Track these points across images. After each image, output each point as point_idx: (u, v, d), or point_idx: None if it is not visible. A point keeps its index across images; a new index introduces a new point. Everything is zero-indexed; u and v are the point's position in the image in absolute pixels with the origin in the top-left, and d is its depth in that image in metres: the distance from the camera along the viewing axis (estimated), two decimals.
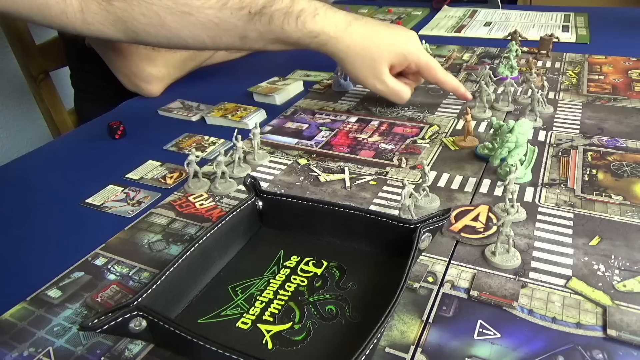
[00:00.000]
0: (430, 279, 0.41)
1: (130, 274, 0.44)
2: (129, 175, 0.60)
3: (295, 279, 0.42)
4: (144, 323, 0.34)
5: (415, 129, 0.67)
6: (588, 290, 0.39)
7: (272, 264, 0.44)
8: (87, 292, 0.42)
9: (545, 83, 0.70)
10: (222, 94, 0.81)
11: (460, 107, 0.73)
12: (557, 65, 0.87)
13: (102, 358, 0.36)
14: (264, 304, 0.40)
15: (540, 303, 0.38)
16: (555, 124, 0.66)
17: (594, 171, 0.54)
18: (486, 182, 0.54)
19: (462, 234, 0.46)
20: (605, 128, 0.64)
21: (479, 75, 0.82)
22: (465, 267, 0.42)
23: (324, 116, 0.72)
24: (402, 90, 0.69)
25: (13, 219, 0.53)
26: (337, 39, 0.64)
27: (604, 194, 0.50)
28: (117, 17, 0.62)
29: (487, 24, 1.17)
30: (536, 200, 0.50)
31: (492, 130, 0.56)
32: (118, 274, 0.44)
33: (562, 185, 0.52)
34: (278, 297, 0.40)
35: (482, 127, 0.66)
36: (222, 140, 0.67)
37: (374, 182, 0.55)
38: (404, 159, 0.59)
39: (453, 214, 0.48)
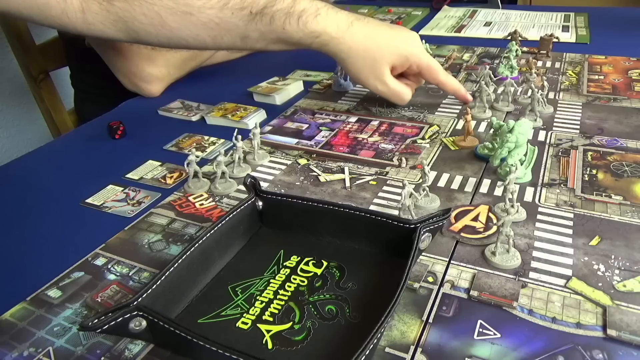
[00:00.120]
0: (430, 279, 0.41)
1: (130, 274, 0.44)
2: (129, 175, 0.60)
3: (295, 279, 0.42)
4: (144, 323, 0.34)
5: (415, 129, 0.67)
6: (588, 290, 0.39)
7: (272, 264, 0.44)
8: (87, 292, 0.42)
9: (545, 83, 0.70)
10: (222, 94, 0.81)
11: (460, 107, 0.73)
12: (557, 65, 0.87)
13: (102, 358, 0.36)
14: (264, 304, 0.40)
15: (540, 303, 0.38)
16: (555, 124, 0.66)
17: (594, 171, 0.54)
18: (486, 182, 0.54)
19: (462, 234, 0.46)
20: (605, 128, 0.64)
21: (479, 75, 0.82)
22: (465, 267, 0.42)
23: (324, 116, 0.72)
24: (403, 91, 0.69)
25: (13, 219, 0.53)
26: (338, 39, 0.64)
27: (604, 194, 0.50)
28: (118, 17, 0.62)
29: (487, 24, 1.17)
30: (536, 200, 0.50)
31: (492, 130, 0.56)
32: (118, 274, 0.44)
33: (562, 185, 0.52)
34: (278, 297, 0.40)
35: (482, 127, 0.66)
36: (222, 140, 0.67)
37: (374, 182, 0.55)
38: (404, 159, 0.59)
39: (453, 214, 0.48)
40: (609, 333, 0.35)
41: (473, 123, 0.64)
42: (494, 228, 0.46)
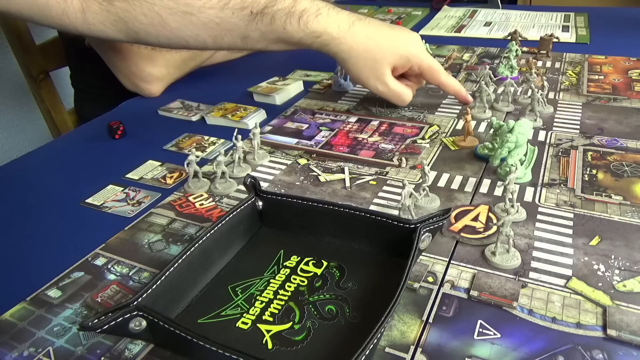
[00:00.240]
0: (430, 279, 0.41)
1: (130, 274, 0.44)
2: (129, 175, 0.60)
3: (295, 279, 0.42)
4: (144, 323, 0.34)
5: (415, 129, 0.67)
6: (588, 290, 0.39)
7: (272, 264, 0.44)
8: (87, 292, 0.42)
9: (545, 83, 0.70)
10: (222, 94, 0.81)
11: (460, 107, 0.73)
12: (557, 65, 0.87)
13: (102, 358, 0.36)
14: (264, 304, 0.40)
15: (540, 303, 0.38)
16: (555, 124, 0.66)
17: (594, 171, 0.54)
18: (486, 182, 0.54)
19: (462, 234, 0.46)
20: (605, 128, 0.64)
21: (479, 75, 0.82)
22: (465, 267, 0.42)
23: (324, 116, 0.72)
24: (404, 92, 0.69)
25: (13, 219, 0.53)
26: (339, 39, 0.64)
27: (604, 194, 0.50)
28: (118, 17, 0.62)
29: (487, 24, 1.17)
30: (536, 200, 0.50)
31: (492, 130, 0.56)
32: (118, 274, 0.44)
33: (562, 185, 0.52)
34: (278, 297, 0.40)
35: (482, 127, 0.66)
36: (222, 140, 0.67)
37: (374, 182, 0.55)
38: (404, 159, 0.59)
39: (453, 214, 0.48)
40: (609, 333, 0.35)
41: (473, 123, 0.64)
42: (494, 228, 0.46)
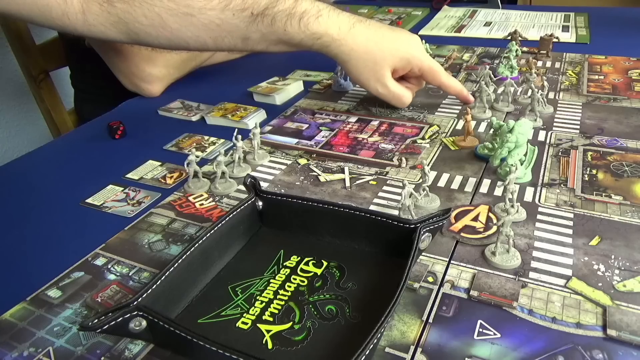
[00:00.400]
0: (430, 279, 0.41)
1: (130, 274, 0.44)
2: (129, 175, 0.60)
3: (295, 279, 0.42)
4: (144, 323, 0.34)
5: (415, 129, 0.67)
6: (588, 290, 0.39)
7: (272, 264, 0.44)
8: (87, 292, 0.42)
9: (545, 83, 0.70)
10: (222, 94, 0.81)
11: (460, 107, 0.73)
12: (557, 65, 0.87)
13: (102, 358, 0.36)
14: (264, 304, 0.40)
15: (540, 303, 0.38)
16: (555, 124, 0.66)
17: (594, 171, 0.54)
18: (486, 182, 0.54)
19: (462, 234, 0.46)
20: (605, 128, 0.64)
21: (479, 75, 0.82)
22: (465, 267, 0.42)
23: (324, 116, 0.72)
24: (404, 94, 0.69)
25: (13, 219, 0.53)
26: (340, 40, 0.64)
27: (604, 194, 0.50)
28: (118, 18, 0.62)
29: (487, 24, 1.17)
30: (536, 200, 0.50)
31: (492, 130, 0.56)
32: (118, 274, 0.44)
33: (562, 185, 0.52)
34: (278, 297, 0.40)
35: (482, 127, 0.66)
36: (222, 140, 0.67)
37: (374, 182, 0.55)
38: (404, 159, 0.59)
39: (453, 214, 0.48)
40: (609, 333, 0.35)
41: (473, 123, 0.64)
42: (494, 228, 0.46)
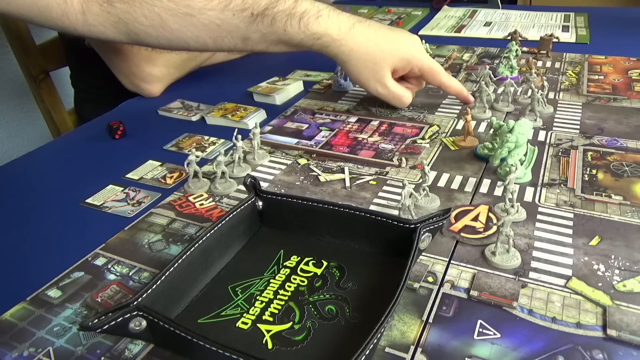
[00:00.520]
0: (430, 279, 0.41)
1: (130, 274, 0.44)
2: (129, 175, 0.60)
3: (295, 279, 0.42)
4: (144, 323, 0.34)
5: (415, 129, 0.67)
6: (588, 290, 0.39)
7: (272, 264, 0.44)
8: (87, 292, 0.42)
9: (545, 83, 0.70)
10: (222, 94, 0.81)
11: (460, 107, 0.73)
12: (557, 65, 0.87)
13: (102, 358, 0.36)
14: (264, 304, 0.40)
15: (540, 303, 0.38)
16: (555, 124, 0.66)
17: (594, 171, 0.54)
18: (486, 182, 0.54)
19: (462, 234, 0.46)
20: (605, 128, 0.64)
21: (479, 75, 0.82)
22: (465, 267, 0.42)
23: (324, 116, 0.72)
24: (404, 94, 0.69)
25: (13, 219, 0.53)
26: (340, 41, 0.64)
27: (604, 194, 0.50)
28: (118, 18, 0.62)
29: (487, 24, 1.17)
30: (536, 200, 0.50)
31: (492, 130, 0.56)
32: (118, 274, 0.44)
33: (562, 185, 0.52)
34: (278, 297, 0.40)
35: (482, 127, 0.66)
36: (222, 140, 0.67)
37: (374, 182, 0.55)
38: (404, 159, 0.59)
39: (453, 214, 0.48)
40: (609, 333, 0.35)
41: (473, 123, 0.64)
42: (494, 228, 0.46)
